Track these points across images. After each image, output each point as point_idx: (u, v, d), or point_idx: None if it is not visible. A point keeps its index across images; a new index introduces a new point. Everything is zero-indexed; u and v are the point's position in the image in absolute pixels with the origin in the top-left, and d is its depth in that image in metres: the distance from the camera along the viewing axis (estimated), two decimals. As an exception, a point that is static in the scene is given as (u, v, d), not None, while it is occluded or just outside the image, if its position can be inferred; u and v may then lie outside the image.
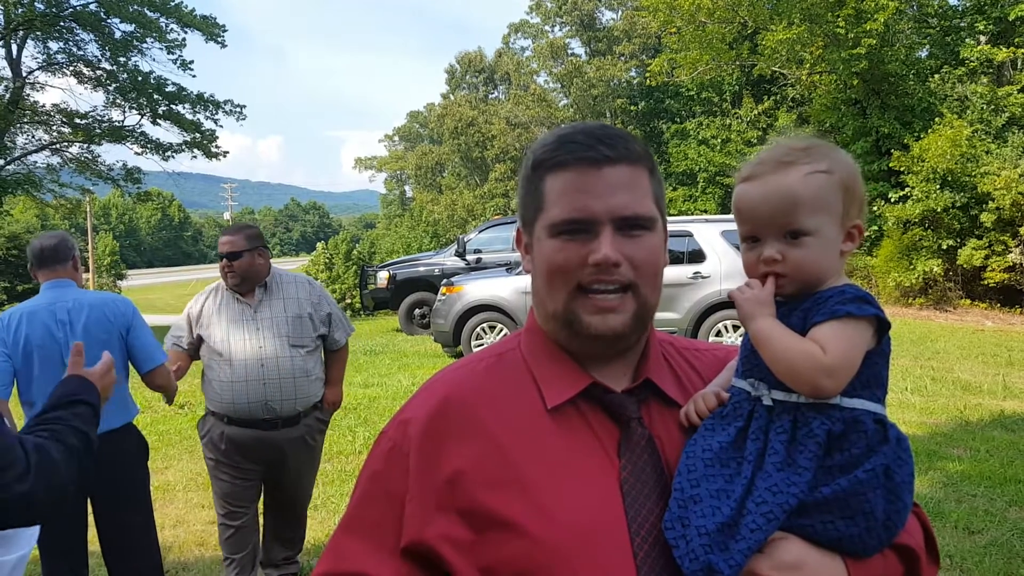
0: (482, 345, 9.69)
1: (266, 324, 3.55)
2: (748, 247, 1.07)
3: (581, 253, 1.03)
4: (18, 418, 3.18)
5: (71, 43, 20.95)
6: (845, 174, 1.04)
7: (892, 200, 15.67)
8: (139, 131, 22.02)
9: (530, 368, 1.11)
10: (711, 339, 9.34)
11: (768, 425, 1.01)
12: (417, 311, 13.45)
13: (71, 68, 21.26)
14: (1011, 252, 14.37)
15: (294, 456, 3.62)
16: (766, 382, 1.02)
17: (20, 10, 19.44)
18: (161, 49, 21.42)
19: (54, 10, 19.95)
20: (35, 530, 2.21)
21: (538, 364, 1.10)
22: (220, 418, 3.55)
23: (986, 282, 14.78)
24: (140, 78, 21.41)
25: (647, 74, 22.58)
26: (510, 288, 9.85)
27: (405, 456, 1.05)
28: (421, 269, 13.96)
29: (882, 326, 1.01)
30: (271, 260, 3.73)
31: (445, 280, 10.98)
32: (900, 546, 1.01)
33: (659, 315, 9.94)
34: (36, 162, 21.67)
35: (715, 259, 9.65)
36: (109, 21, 20.70)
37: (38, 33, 20.35)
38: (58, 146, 21.63)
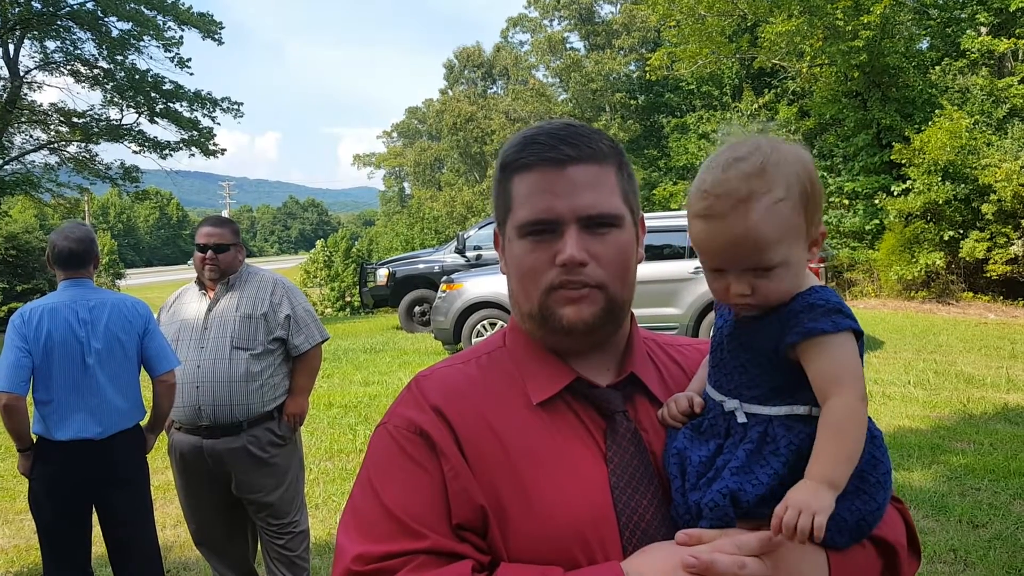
0: (483, 342, 9.66)
1: (214, 323, 3.32)
2: (714, 276, 1.04)
3: (549, 254, 1.05)
4: (30, 416, 3.10)
5: (68, 42, 20.88)
6: (803, 187, 0.99)
7: (894, 193, 15.63)
8: (137, 130, 21.96)
9: (516, 365, 1.12)
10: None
11: (740, 441, 1.00)
12: (417, 308, 13.42)
13: (68, 67, 21.19)
14: (1013, 244, 14.32)
15: (238, 468, 3.30)
16: (738, 397, 1.01)
17: (16, 9, 19.37)
18: (158, 47, 21.38)
19: (51, 9, 19.88)
20: None
21: (523, 361, 1.12)
22: (174, 424, 3.36)
23: (988, 275, 14.74)
24: (137, 76, 21.34)
25: (646, 68, 22.51)
26: (510, 285, 9.80)
27: (428, 439, 1.04)
28: (421, 266, 13.91)
29: (856, 333, 0.98)
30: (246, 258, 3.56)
31: (445, 277, 10.95)
32: (879, 539, 1.02)
33: (661, 311, 9.84)
34: (34, 162, 21.61)
35: (716, 254, 9.60)
36: (106, 19, 20.62)
37: (35, 32, 20.28)
38: (56, 145, 21.57)
